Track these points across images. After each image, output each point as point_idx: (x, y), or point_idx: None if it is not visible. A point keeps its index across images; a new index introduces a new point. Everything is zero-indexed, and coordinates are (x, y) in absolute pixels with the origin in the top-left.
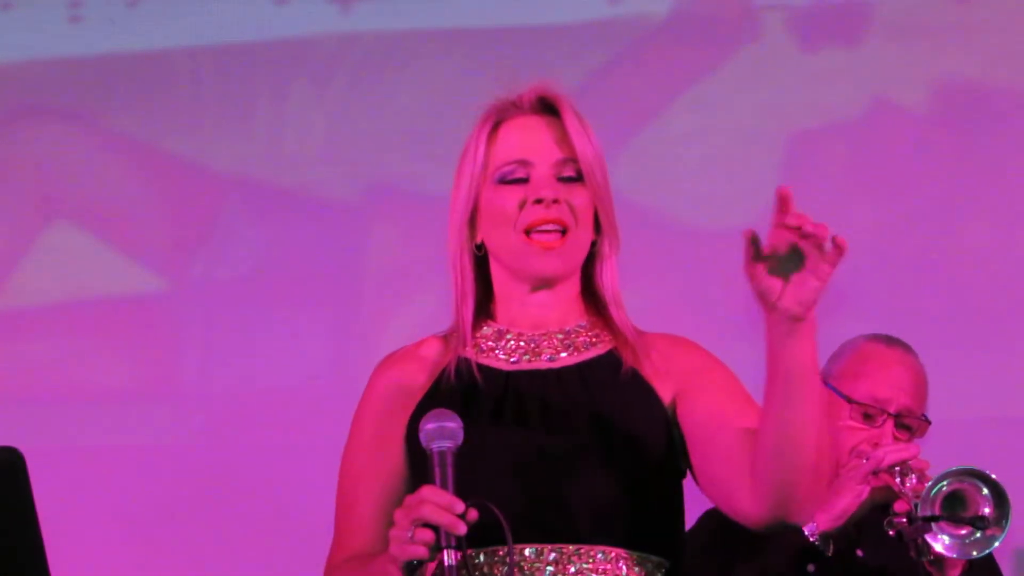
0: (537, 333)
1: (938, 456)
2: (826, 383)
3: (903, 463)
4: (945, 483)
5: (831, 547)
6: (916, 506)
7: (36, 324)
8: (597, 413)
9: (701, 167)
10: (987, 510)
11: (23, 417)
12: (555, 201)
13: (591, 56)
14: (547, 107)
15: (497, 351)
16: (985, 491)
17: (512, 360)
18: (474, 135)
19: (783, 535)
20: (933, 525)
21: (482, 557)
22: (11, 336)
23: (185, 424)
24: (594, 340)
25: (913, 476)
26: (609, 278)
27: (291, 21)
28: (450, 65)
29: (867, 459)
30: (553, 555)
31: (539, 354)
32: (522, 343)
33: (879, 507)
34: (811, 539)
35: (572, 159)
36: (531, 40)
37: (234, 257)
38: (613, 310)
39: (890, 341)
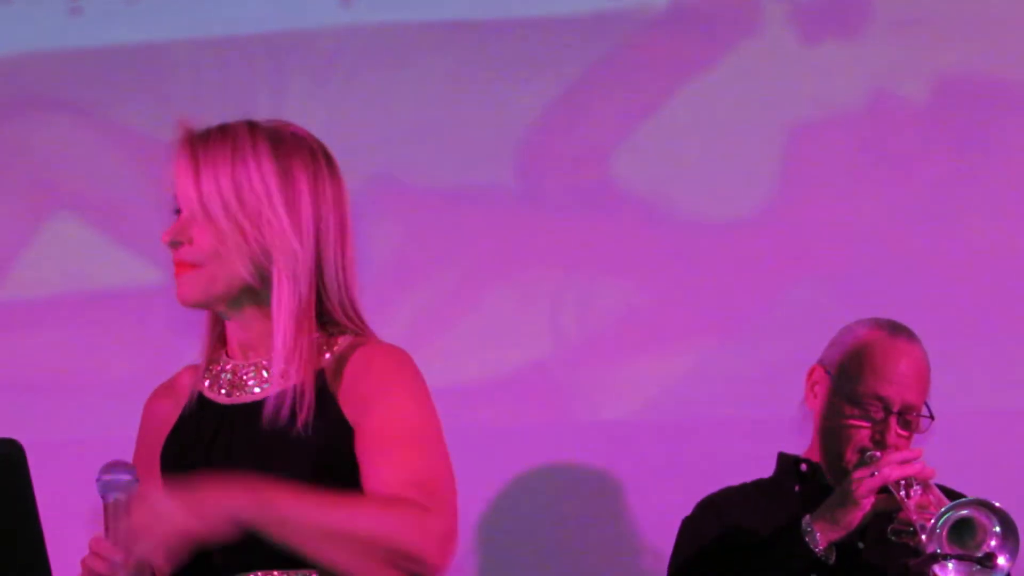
0: (243, 364)
1: (942, 449)
2: (827, 373)
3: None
4: (951, 513)
5: (834, 555)
6: (922, 535)
7: (37, 316)
8: (287, 445)
9: (701, 159)
10: (994, 542)
11: (24, 409)
12: (172, 243)
13: (591, 48)
14: (188, 143)
15: (218, 384)
16: (993, 521)
17: (223, 392)
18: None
19: (787, 546)
20: (939, 562)
21: None
22: (12, 328)
23: None
24: (293, 367)
25: (918, 488)
26: (283, 306)
27: (292, 14)
28: (450, 58)
29: (874, 473)
30: None
31: (243, 387)
32: (232, 376)
33: (882, 514)
34: (816, 551)
35: (185, 201)
36: (532, 32)
37: None
38: (298, 340)
39: (893, 330)
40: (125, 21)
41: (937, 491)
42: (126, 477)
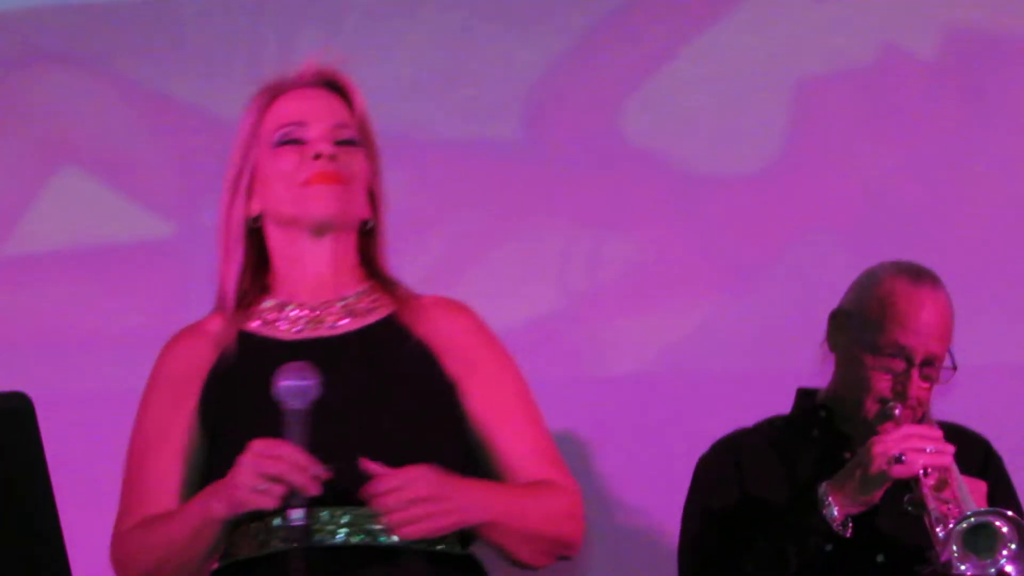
0: (318, 302)
1: (955, 403)
2: (848, 318)
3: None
4: (970, 521)
5: (851, 527)
6: (938, 529)
7: (44, 270)
8: (380, 380)
9: (710, 113)
10: (1006, 550)
11: (32, 363)
12: (332, 157)
13: (600, 1)
14: (324, 83)
15: (279, 322)
16: (1007, 531)
17: (294, 330)
18: (249, 108)
19: (802, 516)
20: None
21: (278, 521)
22: (20, 282)
23: None
24: (374, 305)
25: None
26: (382, 248)
27: None
28: (459, 10)
29: (902, 458)
30: (346, 517)
31: (321, 322)
32: (304, 312)
33: (900, 483)
34: (832, 524)
35: (349, 123)
36: None
37: None
38: (388, 277)
39: (917, 277)
40: None
41: (955, 470)
42: (309, 382)
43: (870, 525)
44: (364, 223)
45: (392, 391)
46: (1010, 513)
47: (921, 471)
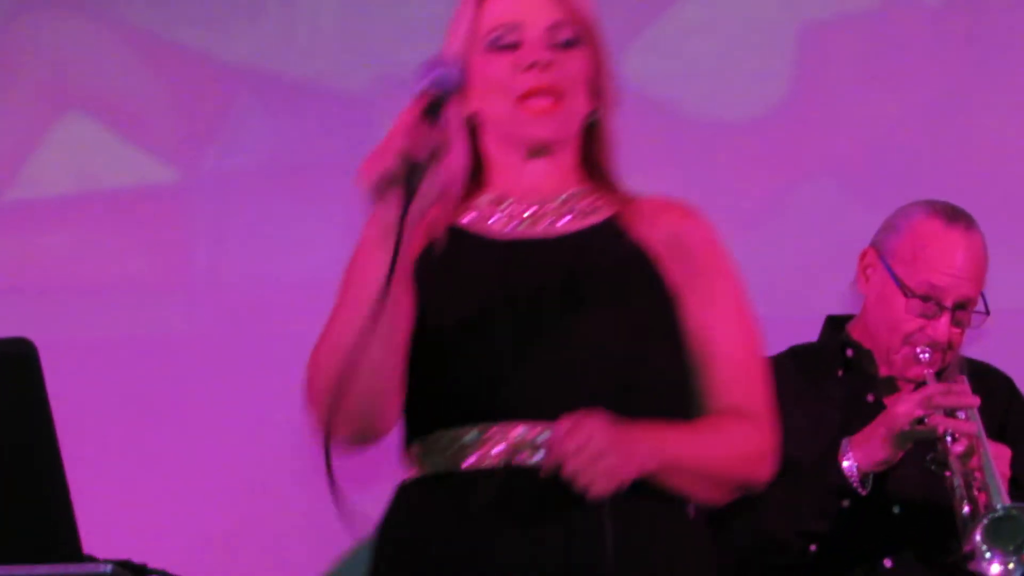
0: (535, 199)
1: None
2: (881, 260)
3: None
4: (995, 514)
5: (870, 484)
6: (964, 506)
7: (48, 215)
8: (600, 283)
9: (713, 58)
10: None
11: (35, 308)
12: (547, 65)
13: None
14: None
15: (493, 219)
16: None
17: (508, 228)
18: (463, 2)
19: (820, 470)
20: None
21: (472, 435)
22: (23, 227)
23: (196, 314)
24: (595, 207)
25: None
26: (607, 145)
27: None
28: None
29: (925, 419)
30: (546, 435)
31: (537, 222)
32: (521, 208)
33: (921, 442)
34: (850, 478)
35: (567, 22)
36: None
37: (245, 148)
38: (610, 178)
39: (951, 217)
40: None
41: (983, 436)
42: (456, 72)
43: (888, 477)
44: (587, 116)
45: (612, 300)
46: None
47: (948, 437)
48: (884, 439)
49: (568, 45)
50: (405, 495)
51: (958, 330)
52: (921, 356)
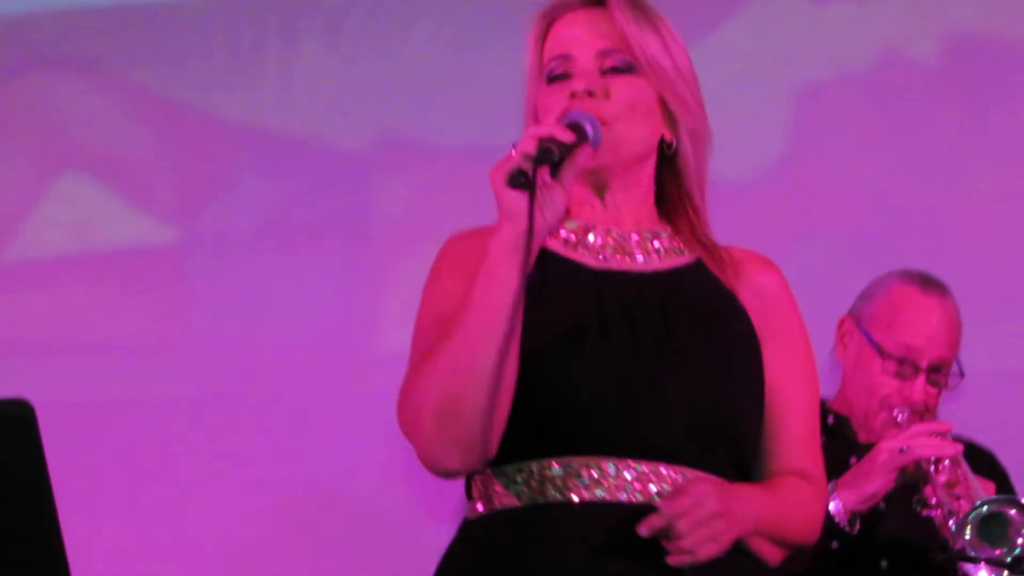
0: (624, 232)
1: (965, 408)
2: (858, 326)
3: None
4: (982, 509)
5: (857, 525)
6: (950, 521)
7: (47, 275)
8: (696, 323)
9: (712, 117)
10: (1020, 538)
11: (33, 368)
12: (590, 94)
13: None
14: (594, 1)
15: (583, 247)
16: (1019, 519)
17: (600, 257)
18: (527, 41)
19: None
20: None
21: (556, 469)
22: (21, 287)
23: (194, 375)
24: (680, 247)
25: (946, 462)
26: (689, 180)
27: None
28: (462, 14)
29: (903, 449)
30: (633, 473)
31: (627, 254)
32: (609, 240)
33: (909, 487)
34: (836, 519)
35: (617, 49)
36: None
37: (244, 207)
38: (694, 218)
39: (925, 284)
40: None
41: (966, 466)
42: (598, 133)
43: (875, 531)
44: (668, 146)
45: (708, 341)
46: (1021, 499)
47: (932, 467)
48: (869, 473)
49: (619, 71)
50: (479, 529)
51: (935, 391)
52: (898, 418)
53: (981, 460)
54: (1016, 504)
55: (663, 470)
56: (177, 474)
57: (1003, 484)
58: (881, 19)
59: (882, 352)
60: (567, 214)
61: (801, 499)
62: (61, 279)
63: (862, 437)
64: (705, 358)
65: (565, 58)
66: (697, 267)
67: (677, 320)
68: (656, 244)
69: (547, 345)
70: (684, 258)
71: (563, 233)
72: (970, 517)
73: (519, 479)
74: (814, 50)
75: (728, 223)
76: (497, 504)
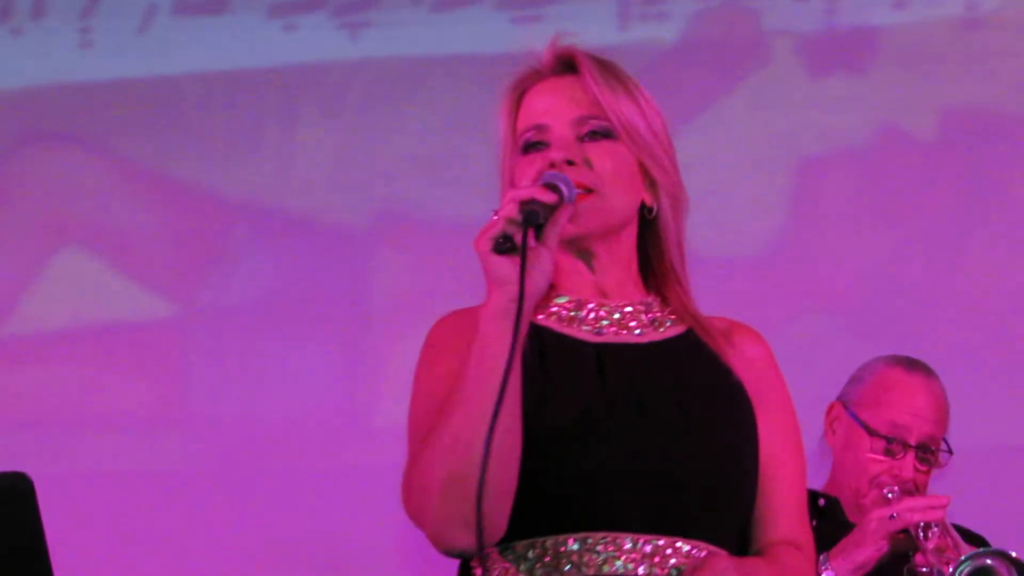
0: (617, 304)
1: (953, 483)
2: (846, 409)
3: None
4: (970, 563)
5: None
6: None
7: (45, 350)
8: (699, 395)
9: (710, 193)
10: None
11: (32, 442)
12: (569, 163)
13: None
14: (570, 66)
15: (578, 322)
16: (1011, 573)
17: (597, 332)
18: (500, 111)
19: None
20: None
21: (573, 544)
22: (20, 361)
23: (194, 450)
24: (669, 317)
25: (936, 529)
26: (670, 246)
27: (300, 47)
28: (459, 91)
29: (893, 516)
30: (650, 547)
31: (625, 326)
32: (604, 313)
33: (900, 555)
34: None
35: (593, 115)
36: None
37: (243, 283)
38: (679, 287)
39: (910, 365)
40: (134, 55)
41: (955, 533)
42: (572, 193)
43: None
44: (648, 210)
45: (712, 413)
46: (1013, 553)
47: (920, 533)
48: (860, 542)
49: (596, 137)
50: None
51: (924, 469)
52: (889, 496)
53: (973, 544)
54: (999, 556)
55: (680, 544)
56: (174, 548)
57: None
58: (879, 94)
59: (870, 431)
60: (556, 289)
61: (799, 571)
62: (59, 354)
63: (853, 518)
64: (713, 431)
65: (540, 128)
66: (690, 337)
67: (681, 393)
68: (649, 316)
69: (556, 421)
70: (676, 328)
71: (555, 308)
72: (958, 572)
73: (531, 555)
74: (812, 125)
75: (725, 298)
76: None
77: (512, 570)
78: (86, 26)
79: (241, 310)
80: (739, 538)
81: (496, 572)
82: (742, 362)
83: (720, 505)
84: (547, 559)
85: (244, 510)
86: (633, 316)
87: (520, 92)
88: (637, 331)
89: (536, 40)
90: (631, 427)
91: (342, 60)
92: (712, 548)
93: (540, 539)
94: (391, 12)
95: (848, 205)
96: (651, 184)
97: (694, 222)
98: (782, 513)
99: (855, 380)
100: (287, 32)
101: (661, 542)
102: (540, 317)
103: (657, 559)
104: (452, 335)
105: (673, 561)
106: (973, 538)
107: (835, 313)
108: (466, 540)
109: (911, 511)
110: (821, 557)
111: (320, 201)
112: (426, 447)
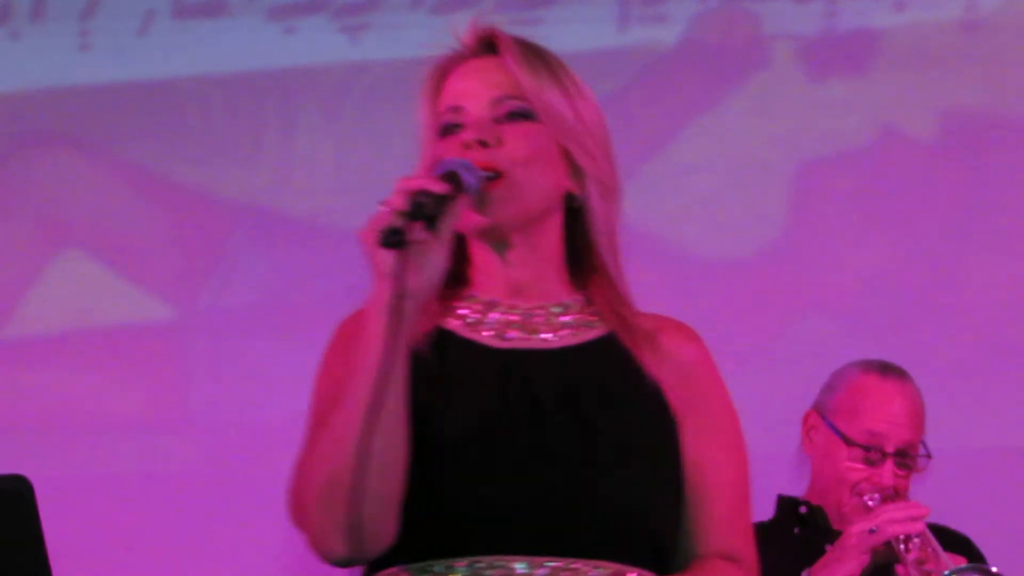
0: (526, 307)
1: (944, 488)
2: (823, 418)
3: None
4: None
5: None
6: None
7: (44, 353)
8: (607, 405)
9: (709, 196)
10: None
11: (31, 446)
12: (482, 143)
13: (599, 85)
14: (492, 48)
15: (484, 325)
16: None
17: (503, 336)
18: (421, 95)
19: None
20: None
21: (461, 570)
22: (19, 365)
23: (193, 452)
24: (591, 320)
25: (916, 540)
26: (598, 239)
27: (300, 50)
28: None
29: (873, 530)
30: (544, 571)
31: (534, 331)
32: (513, 317)
33: (881, 567)
34: None
35: (512, 96)
36: None
37: (242, 285)
38: (605, 284)
39: (884, 370)
40: (134, 57)
41: (936, 544)
42: (476, 181)
43: None
44: (573, 199)
45: (620, 423)
46: (993, 569)
47: (901, 546)
48: (841, 558)
49: (515, 118)
50: None
51: (904, 474)
52: (869, 503)
53: (957, 547)
54: (981, 571)
55: (578, 566)
56: (174, 550)
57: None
58: (879, 97)
59: (848, 441)
60: (470, 288)
61: None
62: (59, 357)
63: (836, 526)
64: (616, 445)
65: (457, 109)
66: (609, 341)
67: (586, 405)
68: (565, 318)
69: (448, 434)
70: (596, 331)
71: (464, 311)
72: None
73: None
74: (811, 127)
75: (726, 302)
76: None
77: None
78: (85, 29)
79: (240, 312)
80: (661, 557)
81: None
82: (669, 364)
83: (627, 522)
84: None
85: (244, 512)
86: (546, 320)
87: (441, 75)
88: (548, 336)
89: (537, 43)
90: (527, 442)
91: (342, 62)
92: (619, 568)
93: (431, 562)
94: (391, 15)
95: (848, 208)
96: (576, 172)
97: (693, 225)
98: (714, 524)
99: (829, 388)
100: (287, 35)
101: (557, 563)
102: (446, 319)
103: None
104: (350, 332)
105: None
106: (957, 540)
107: (834, 316)
108: (344, 547)
109: (891, 524)
110: (804, 573)
111: (320, 203)
112: (307, 450)
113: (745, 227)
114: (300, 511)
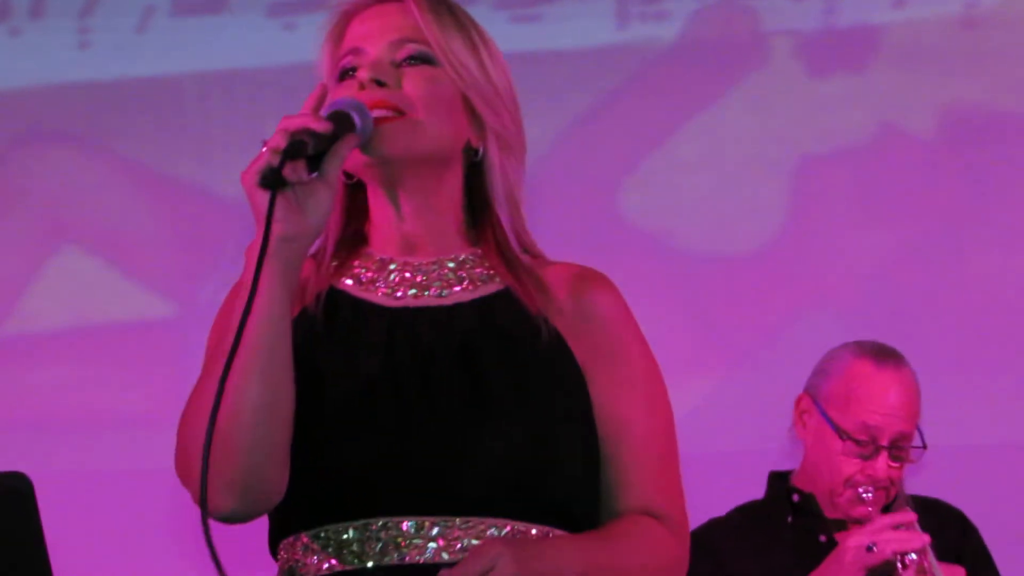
0: (421, 263)
1: (944, 483)
2: (816, 404)
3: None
4: None
5: None
6: None
7: (45, 350)
8: (498, 361)
9: (709, 192)
10: None
11: (31, 443)
12: (379, 83)
13: (599, 81)
14: None
15: (378, 284)
16: None
17: (396, 295)
18: (322, 40)
19: None
20: None
21: (351, 533)
22: (20, 362)
23: None
24: (490, 273)
25: (913, 556)
26: (495, 191)
27: (300, 46)
28: None
29: (871, 548)
30: (436, 529)
31: (427, 287)
32: (407, 275)
33: (877, 573)
34: None
35: (412, 39)
36: (539, 65)
37: None
38: (501, 237)
39: (880, 357)
40: (133, 54)
41: (932, 557)
42: (365, 124)
43: None
44: (474, 152)
45: (511, 380)
46: None
47: (899, 563)
48: (836, 574)
49: (415, 62)
50: None
51: (897, 465)
52: (864, 496)
53: (951, 521)
54: None
55: (473, 523)
56: (174, 548)
57: (976, 545)
58: (878, 93)
59: (842, 433)
60: (368, 245)
61: (646, 543)
62: (59, 353)
63: (828, 513)
64: (508, 402)
65: (356, 51)
66: (505, 295)
67: (479, 360)
68: (461, 273)
69: (332, 397)
70: (493, 286)
71: (357, 269)
72: None
73: (316, 545)
74: (811, 124)
75: (725, 298)
76: (295, 568)
77: (301, 561)
78: (84, 26)
79: None
80: (568, 514)
81: (287, 567)
82: (574, 315)
83: (525, 480)
84: (330, 549)
85: None
86: (440, 276)
87: (346, 20)
88: (442, 292)
89: (536, 40)
90: (413, 400)
91: None
92: (518, 525)
93: (323, 527)
94: None
95: (847, 204)
96: (478, 123)
97: (693, 221)
98: (632, 479)
99: (823, 372)
100: (286, 31)
101: (450, 521)
102: (341, 279)
103: (442, 543)
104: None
105: (466, 543)
106: (951, 514)
107: (834, 312)
108: (231, 501)
109: (888, 542)
110: None
111: None
112: (189, 402)
113: (745, 223)
114: (185, 467)
